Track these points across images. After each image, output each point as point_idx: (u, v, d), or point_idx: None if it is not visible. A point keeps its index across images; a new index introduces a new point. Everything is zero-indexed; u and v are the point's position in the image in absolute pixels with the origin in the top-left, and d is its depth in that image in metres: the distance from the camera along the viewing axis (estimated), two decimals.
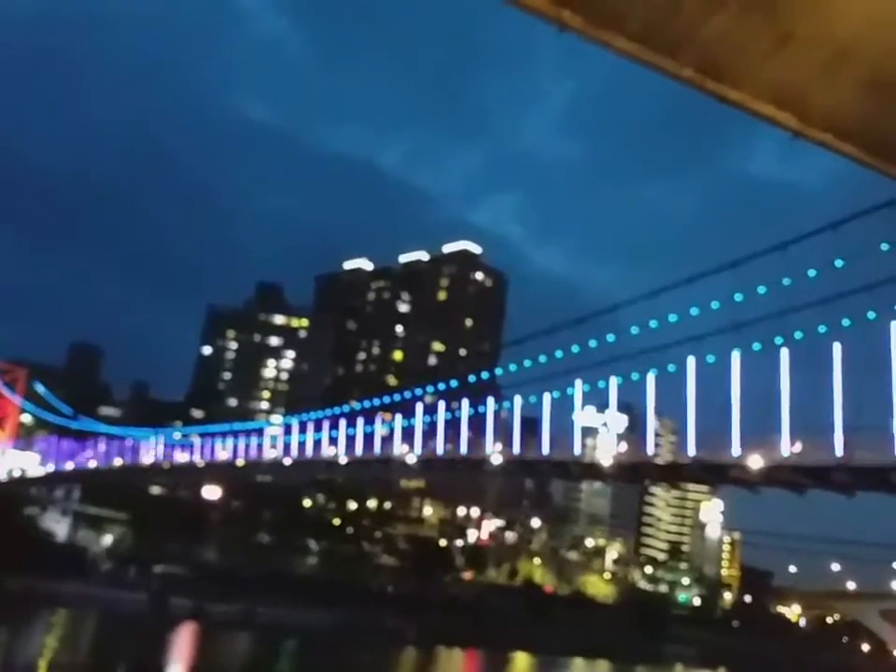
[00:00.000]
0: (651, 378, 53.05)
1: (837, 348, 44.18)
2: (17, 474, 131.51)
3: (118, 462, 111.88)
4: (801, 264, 43.11)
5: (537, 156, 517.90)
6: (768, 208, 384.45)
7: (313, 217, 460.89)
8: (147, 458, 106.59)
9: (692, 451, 51.21)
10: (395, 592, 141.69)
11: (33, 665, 59.50)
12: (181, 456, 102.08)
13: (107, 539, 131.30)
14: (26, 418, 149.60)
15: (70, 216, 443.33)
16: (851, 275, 40.75)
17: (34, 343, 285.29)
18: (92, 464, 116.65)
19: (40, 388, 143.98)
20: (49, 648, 70.85)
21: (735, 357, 48.25)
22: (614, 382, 55.33)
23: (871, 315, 42.32)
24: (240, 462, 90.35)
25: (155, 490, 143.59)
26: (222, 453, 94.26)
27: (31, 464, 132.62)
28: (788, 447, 46.45)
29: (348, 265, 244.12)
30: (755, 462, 47.75)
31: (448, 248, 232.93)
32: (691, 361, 50.30)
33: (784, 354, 46.17)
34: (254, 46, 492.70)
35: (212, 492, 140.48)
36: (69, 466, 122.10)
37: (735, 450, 48.31)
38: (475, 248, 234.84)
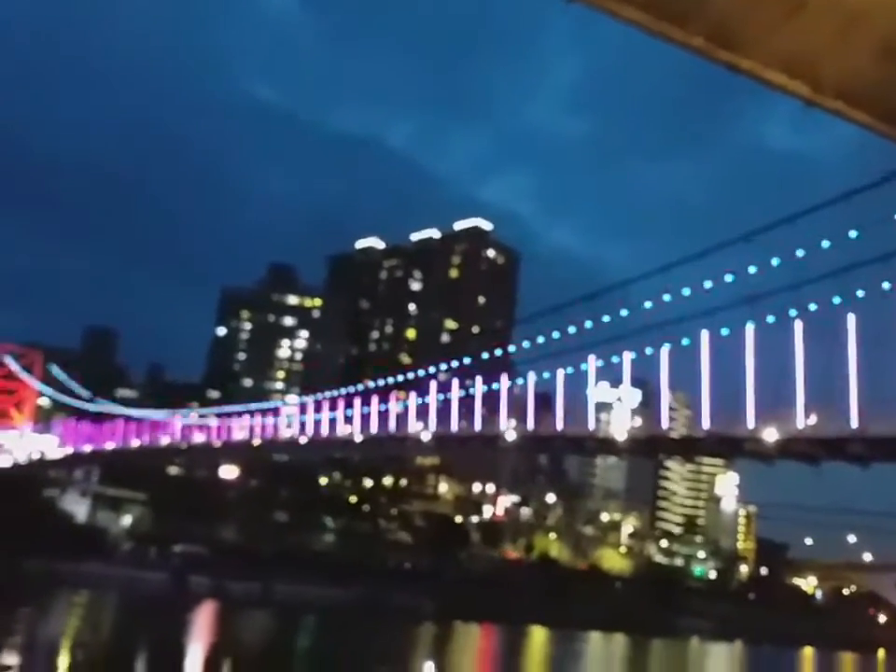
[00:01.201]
0: (664, 352, 52.99)
1: (852, 319, 43.97)
2: (36, 457, 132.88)
3: (135, 443, 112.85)
4: (815, 236, 42.84)
5: (546, 133, 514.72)
6: (781, 181, 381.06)
7: (323, 197, 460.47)
8: (164, 439, 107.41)
9: (706, 424, 51.25)
10: (411, 568, 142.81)
11: (56, 645, 60.39)
12: (198, 437, 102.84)
13: (127, 520, 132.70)
14: (44, 401, 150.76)
15: (81, 201, 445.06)
16: (865, 246, 40.47)
17: (49, 326, 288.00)
18: (111, 445, 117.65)
19: (57, 371, 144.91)
20: (72, 627, 71.85)
21: (750, 329, 48.10)
22: (628, 357, 55.33)
23: (885, 285, 42.07)
24: (256, 442, 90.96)
25: (173, 470, 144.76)
26: (239, 433, 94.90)
27: (50, 446, 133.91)
28: (803, 419, 46.40)
29: (360, 244, 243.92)
30: (770, 434, 47.76)
31: (459, 226, 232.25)
32: (704, 335, 50.22)
33: (798, 326, 46.00)
34: (260, 26, 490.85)
35: (229, 471, 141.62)
36: (88, 448, 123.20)
37: (750, 423, 48.29)
38: (486, 225, 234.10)
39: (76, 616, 79.91)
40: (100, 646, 63.37)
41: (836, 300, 44.59)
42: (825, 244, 43.20)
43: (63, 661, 53.91)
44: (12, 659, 47.46)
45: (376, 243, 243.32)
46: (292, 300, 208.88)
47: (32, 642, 59.24)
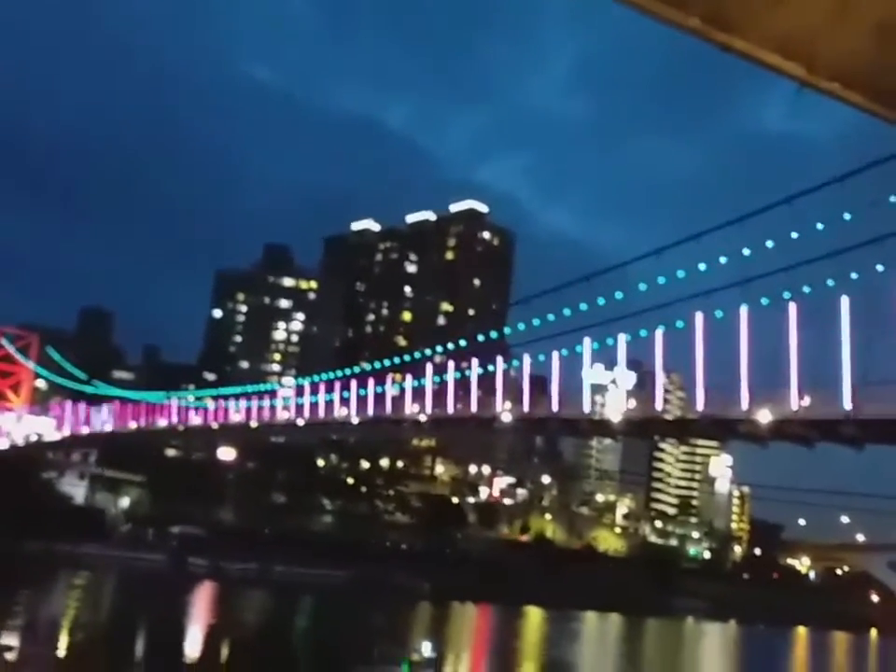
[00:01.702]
0: (659, 334, 53.20)
1: (845, 302, 44.19)
2: (33, 439, 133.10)
3: (133, 425, 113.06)
4: (809, 218, 42.95)
5: (543, 115, 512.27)
6: (776, 163, 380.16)
7: (319, 178, 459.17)
8: (161, 421, 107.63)
9: (700, 406, 51.54)
10: (408, 549, 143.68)
11: (56, 625, 60.85)
12: (195, 419, 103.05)
13: (125, 502, 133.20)
14: (40, 383, 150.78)
15: (78, 183, 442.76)
16: (860, 228, 40.61)
17: (45, 308, 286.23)
18: (108, 427, 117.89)
19: (53, 353, 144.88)
20: (71, 608, 72.35)
21: (744, 312, 48.32)
22: (623, 339, 55.53)
23: (879, 267, 42.26)
24: (253, 424, 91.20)
25: (170, 452, 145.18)
26: (236, 415, 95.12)
27: (47, 429, 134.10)
28: (796, 401, 46.70)
29: (356, 226, 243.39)
30: (764, 416, 48.06)
31: (455, 208, 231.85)
32: (699, 317, 50.41)
33: (792, 308, 46.21)
34: (259, 8, 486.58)
35: (226, 453, 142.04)
36: (85, 430, 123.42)
37: (744, 405, 48.59)
38: (482, 207, 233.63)
39: (75, 597, 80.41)
40: (99, 626, 63.87)
41: (830, 282, 44.76)
42: (819, 226, 43.30)
43: (64, 641, 54.37)
44: (13, 640, 47.90)
45: (372, 225, 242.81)
46: (288, 282, 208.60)
47: (32, 623, 59.67)
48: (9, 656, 36.52)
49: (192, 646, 59.01)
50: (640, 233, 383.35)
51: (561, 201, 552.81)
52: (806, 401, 47.02)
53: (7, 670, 32.43)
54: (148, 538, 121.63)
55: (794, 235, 43.98)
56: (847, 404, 44.33)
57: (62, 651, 49.15)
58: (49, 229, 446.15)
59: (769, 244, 45.86)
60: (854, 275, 43.47)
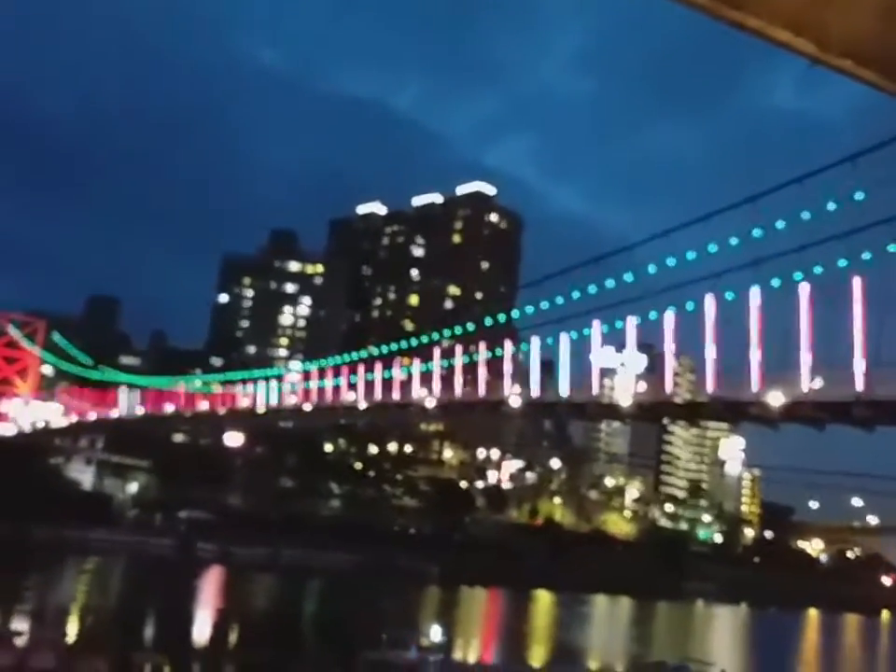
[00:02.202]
0: (669, 316, 52.62)
1: (857, 282, 43.53)
2: (40, 425, 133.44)
3: (140, 411, 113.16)
4: (820, 198, 42.27)
5: (550, 96, 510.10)
6: (787, 142, 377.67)
7: (325, 161, 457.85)
8: (168, 406, 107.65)
9: (711, 389, 51.03)
10: (417, 533, 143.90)
11: (65, 610, 61.01)
12: (202, 404, 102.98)
13: (132, 487, 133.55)
14: (47, 369, 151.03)
15: (82, 168, 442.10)
16: (872, 208, 39.92)
17: (51, 294, 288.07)
18: (115, 413, 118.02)
19: (59, 339, 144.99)
20: (80, 593, 72.62)
21: (755, 293, 47.69)
22: (632, 321, 54.96)
23: (892, 247, 41.57)
24: (261, 409, 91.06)
25: (178, 438, 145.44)
26: (243, 400, 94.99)
27: (54, 415, 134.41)
28: (808, 383, 46.14)
29: (361, 209, 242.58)
30: (775, 399, 47.52)
31: (462, 190, 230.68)
32: (709, 299, 49.80)
33: (804, 289, 45.57)
34: None
35: (234, 438, 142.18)
36: (92, 416, 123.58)
37: (755, 387, 48.06)
38: (489, 190, 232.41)
39: (84, 582, 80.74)
40: (109, 611, 64.05)
41: (842, 262, 44.07)
42: (831, 206, 42.61)
43: (73, 626, 54.47)
44: (23, 625, 47.96)
45: (378, 208, 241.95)
46: (294, 266, 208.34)
47: (42, 608, 59.87)
48: (20, 641, 36.48)
49: (202, 630, 59.12)
50: (649, 215, 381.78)
51: (569, 182, 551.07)
52: (818, 383, 46.44)
53: (17, 655, 32.33)
54: (156, 523, 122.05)
55: (806, 215, 43.31)
56: (859, 386, 43.76)
57: (71, 636, 49.25)
58: (55, 215, 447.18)
59: (780, 224, 45.18)
60: (866, 255, 42.79)
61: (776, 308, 48.85)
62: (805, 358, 45.82)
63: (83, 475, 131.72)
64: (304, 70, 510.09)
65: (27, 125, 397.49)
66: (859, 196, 40.90)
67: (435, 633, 46.57)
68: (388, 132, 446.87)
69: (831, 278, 45.30)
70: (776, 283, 47.25)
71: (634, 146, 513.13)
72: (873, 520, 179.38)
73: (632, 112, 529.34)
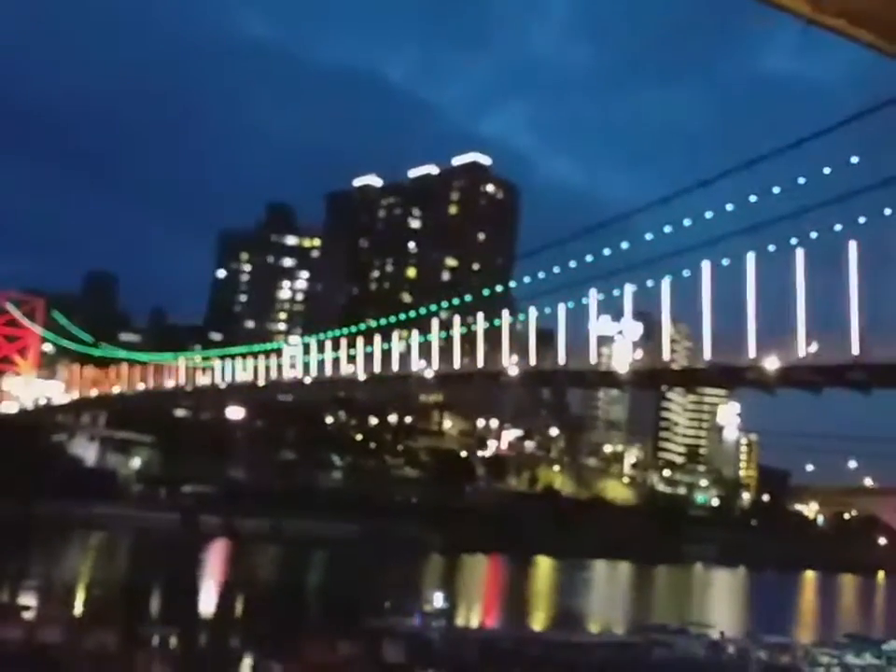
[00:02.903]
0: (666, 284, 52.87)
1: (853, 246, 43.76)
2: (43, 402, 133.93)
3: (141, 387, 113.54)
4: (816, 162, 42.35)
5: (546, 64, 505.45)
6: (783, 107, 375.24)
7: (320, 134, 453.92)
8: (169, 382, 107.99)
9: (708, 355, 51.39)
10: (418, 502, 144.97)
11: (72, 585, 61.74)
12: (203, 379, 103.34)
13: (136, 462, 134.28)
14: (47, 347, 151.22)
15: (78, 145, 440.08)
16: (867, 172, 40.03)
17: (48, 272, 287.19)
18: (116, 389, 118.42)
19: (59, 317, 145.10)
20: (86, 568, 73.40)
21: (751, 259, 47.92)
22: (629, 290, 55.21)
23: (887, 211, 41.77)
24: (261, 382, 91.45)
25: (179, 413, 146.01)
26: (243, 374, 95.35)
27: (56, 392, 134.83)
28: (804, 347, 46.50)
29: (358, 182, 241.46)
30: (771, 363, 47.91)
31: (458, 161, 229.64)
32: (706, 265, 50.03)
33: (799, 254, 45.81)
34: None
35: (235, 412, 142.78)
36: (94, 392, 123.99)
37: (752, 352, 48.41)
38: (485, 160, 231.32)
39: (90, 557, 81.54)
40: (115, 585, 64.78)
41: (838, 227, 44.28)
42: (826, 170, 42.69)
43: (80, 600, 55.19)
44: (31, 599, 48.61)
45: (374, 181, 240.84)
46: (291, 240, 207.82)
47: (49, 583, 60.57)
48: (27, 616, 37.02)
49: (207, 602, 59.91)
50: (646, 182, 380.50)
51: (565, 150, 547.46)
52: (814, 347, 46.81)
53: (25, 629, 32.87)
54: (161, 497, 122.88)
55: (801, 180, 43.42)
56: (855, 349, 44.13)
57: (78, 611, 49.93)
58: (51, 193, 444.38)
59: (776, 189, 45.29)
60: (862, 220, 42.99)
61: (772, 273, 49.13)
62: (802, 323, 46.15)
63: (86, 451, 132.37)
64: (297, 42, 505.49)
65: (24, 103, 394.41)
66: (854, 160, 41.00)
67: (437, 600, 47.30)
68: (383, 103, 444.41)
69: (827, 243, 45.52)
70: (772, 248, 47.50)
71: (630, 112, 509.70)
72: (868, 482, 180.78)
73: (628, 78, 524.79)
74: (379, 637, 36.05)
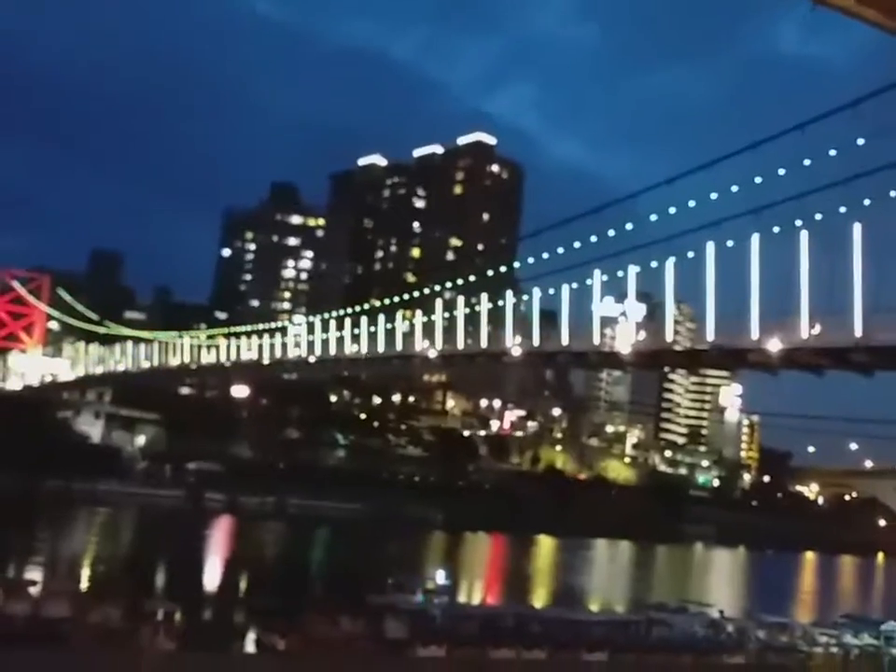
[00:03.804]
0: (669, 265, 52.82)
1: (857, 228, 43.67)
2: (48, 379, 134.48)
3: (146, 364, 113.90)
4: (822, 144, 42.20)
5: (552, 43, 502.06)
6: (790, 88, 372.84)
7: (325, 113, 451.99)
8: (174, 360, 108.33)
9: (711, 336, 51.44)
10: (421, 481, 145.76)
11: (78, 561, 62.37)
12: (208, 357, 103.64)
13: (141, 440, 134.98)
14: (53, 325, 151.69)
15: (83, 123, 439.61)
16: (873, 154, 39.89)
17: (54, 250, 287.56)
18: (121, 367, 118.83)
19: (65, 295, 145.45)
20: (92, 544, 74.05)
21: (755, 240, 47.86)
22: (633, 270, 55.16)
23: (893, 193, 41.65)
24: (266, 361, 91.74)
25: (184, 391, 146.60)
26: (248, 353, 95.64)
27: (61, 369, 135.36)
28: (807, 329, 46.54)
29: (362, 162, 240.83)
30: (774, 345, 47.96)
31: (463, 140, 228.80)
32: (710, 247, 49.97)
33: (804, 236, 45.73)
34: None
35: (240, 391, 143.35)
36: (99, 370, 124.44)
37: (755, 334, 48.46)
38: (490, 140, 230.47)
39: (95, 533, 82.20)
40: (120, 561, 65.44)
41: (843, 209, 44.16)
42: (832, 152, 42.55)
43: (86, 575, 55.80)
44: (36, 574, 49.13)
45: (379, 160, 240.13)
46: (295, 219, 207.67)
47: (55, 558, 61.20)
48: (33, 591, 37.41)
49: (212, 578, 60.52)
50: (651, 163, 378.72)
51: (570, 131, 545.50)
52: (817, 329, 46.83)
53: (32, 604, 33.27)
54: (165, 474, 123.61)
55: (807, 162, 43.29)
56: (858, 332, 44.17)
57: (84, 585, 50.49)
58: (56, 171, 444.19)
59: (781, 171, 45.17)
60: (867, 202, 42.88)
61: (776, 255, 49.08)
62: (805, 305, 46.15)
63: (92, 428, 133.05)
64: (304, 21, 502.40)
65: (28, 82, 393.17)
66: (860, 142, 40.84)
67: (440, 577, 47.75)
68: (388, 81, 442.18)
69: (831, 225, 45.42)
70: (776, 230, 47.41)
71: (636, 93, 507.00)
72: (868, 463, 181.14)
73: (634, 59, 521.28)
74: (381, 613, 36.40)
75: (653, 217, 52.49)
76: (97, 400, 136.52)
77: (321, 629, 34.01)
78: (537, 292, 62.08)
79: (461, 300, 69.13)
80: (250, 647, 35.79)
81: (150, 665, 30.14)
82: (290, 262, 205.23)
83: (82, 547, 70.88)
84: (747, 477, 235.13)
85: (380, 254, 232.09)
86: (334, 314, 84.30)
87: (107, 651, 30.08)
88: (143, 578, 51.74)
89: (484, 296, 67.25)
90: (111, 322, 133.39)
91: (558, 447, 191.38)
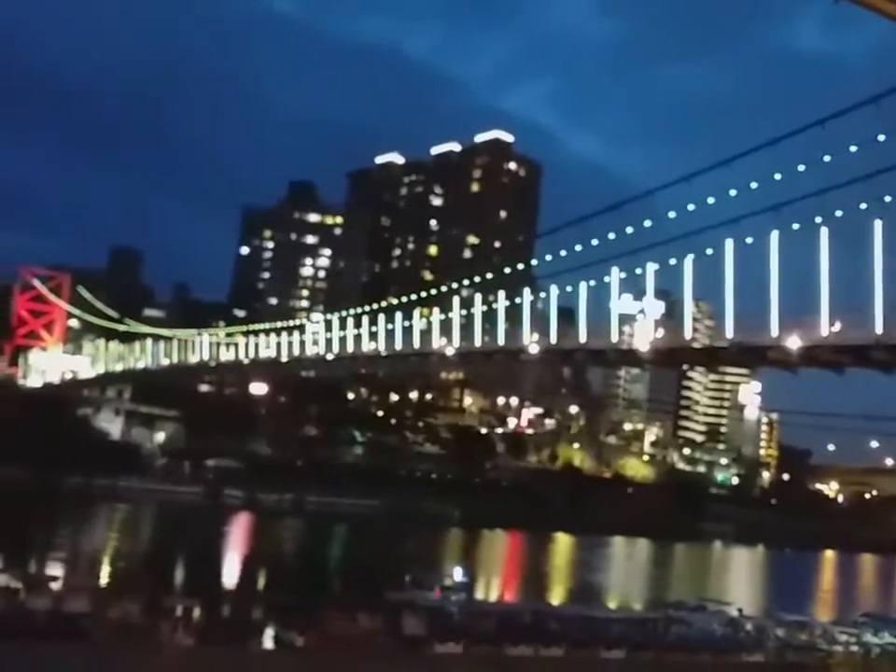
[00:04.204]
0: (688, 262, 52.55)
1: (878, 225, 43.29)
2: (69, 377, 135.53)
3: (166, 362, 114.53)
4: (842, 140, 41.85)
5: (569, 38, 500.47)
6: (810, 84, 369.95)
7: (342, 111, 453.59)
8: (193, 358, 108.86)
9: (729, 334, 51.14)
10: (438, 478, 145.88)
11: (98, 557, 62.89)
12: (227, 355, 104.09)
13: (160, 437, 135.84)
14: (73, 322, 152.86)
15: (103, 123, 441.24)
16: (894, 150, 39.51)
17: (74, 249, 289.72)
18: (141, 364, 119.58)
19: (85, 293, 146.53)
20: (112, 540, 74.65)
21: (774, 237, 47.54)
22: (651, 268, 54.89)
23: None
24: (284, 359, 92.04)
25: (203, 388, 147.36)
26: (266, 350, 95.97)
27: (81, 366, 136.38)
28: (827, 327, 46.20)
29: (380, 160, 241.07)
30: (794, 343, 47.64)
31: (480, 138, 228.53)
32: (729, 244, 49.67)
33: (824, 233, 45.39)
34: None
35: (259, 388, 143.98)
36: (119, 367, 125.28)
37: (774, 331, 48.15)
38: (507, 137, 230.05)
39: (115, 529, 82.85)
40: (140, 556, 65.95)
41: (863, 205, 43.78)
42: (853, 148, 42.19)
43: (106, 571, 56.27)
44: (58, 570, 49.63)
45: (396, 158, 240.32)
46: (313, 217, 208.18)
47: (75, 554, 61.76)
48: (55, 586, 37.79)
49: (231, 574, 60.88)
50: (670, 159, 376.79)
51: (589, 127, 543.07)
52: (837, 327, 46.48)
53: (53, 599, 33.62)
54: (184, 471, 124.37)
55: (827, 158, 42.96)
56: (879, 329, 43.80)
57: (104, 581, 50.92)
58: (76, 171, 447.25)
59: (801, 167, 44.83)
60: (888, 199, 42.48)
61: (796, 252, 48.72)
62: (825, 302, 45.80)
63: (112, 425, 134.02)
64: (320, 18, 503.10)
65: (49, 78, 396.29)
66: (881, 138, 40.47)
67: (457, 574, 47.89)
68: (405, 79, 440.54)
69: (852, 221, 45.02)
70: (796, 227, 47.05)
71: (654, 88, 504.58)
72: (889, 461, 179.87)
73: (652, 54, 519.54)
74: (399, 609, 36.52)
75: (672, 214, 52.24)
76: (117, 398, 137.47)
77: (339, 626, 34.15)
78: (554, 289, 61.84)
79: (478, 297, 69.05)
80: (268, 643, 36.03)
81: (169, 661, 30.38)
82: (308, 260, 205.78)
83: (102, 543, 71.48)
84: (766, 475, 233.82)
85: (397, 252, 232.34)
86: (352, 311, 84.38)
87: (127, 647, 30.34)
88: (162, 574, 52.12)
89: (502, 293, 67.10)
90: (131, 320, 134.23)
91: (576, 445, 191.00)
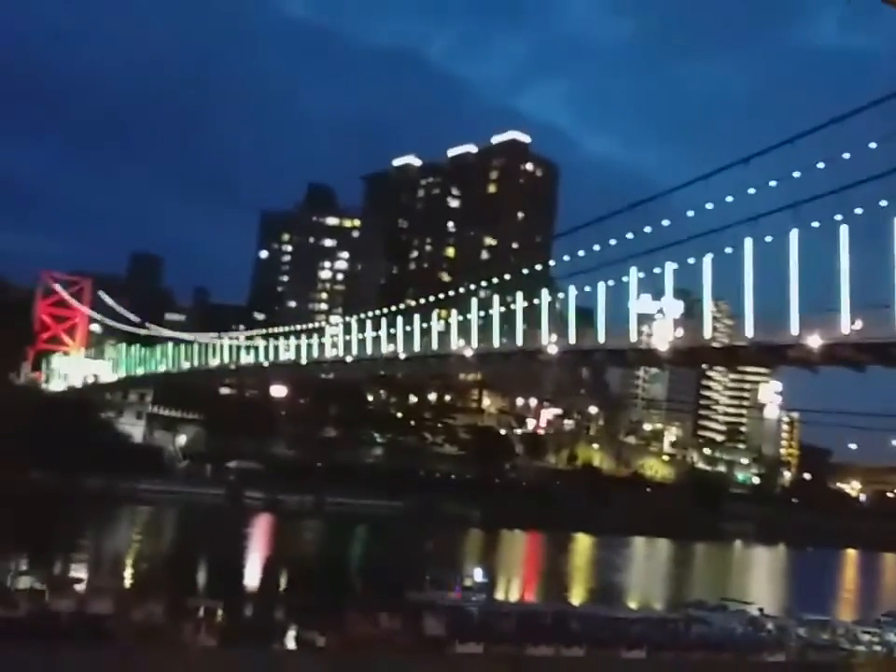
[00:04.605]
0: (707, 261, 52.40)
1: None
2: (91, 381, 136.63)
3: (186, 365, 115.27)
4: (861, 137, 41.62)
5: (585, 38, 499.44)
6: (828, 81, 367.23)
7: (358, 113, 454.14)
8: (214, 361, 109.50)
9: (749, 333, 50.93)
10: (458, 479, 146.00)
11: (121, 558, 63.48)
12: (247, 358, 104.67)
13: (182, 439, 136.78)
14: (94, 327, 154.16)
15: (123, 128, 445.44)
16: None
17: (95, 254, 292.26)
18: (162, 368, 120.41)
19: (106, 298, 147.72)
20: (135, 542, 75.30)
21: (794, 236, 47.34)
22: (670, 267, 54.75)
23: None
24: (303, 361, 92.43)
25: (224, 391, 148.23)
26: (286, 353, 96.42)
27: (103, 370, 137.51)
28: (847, 325, 45.96)
29: (397, 162, 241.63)
30: (814, 341, 47.40)
31: (497, 140, 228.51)
32: (748, 243, 49.49)
33: (843, 230, 45.16)
34: None
35: (279, 390, 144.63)
36: (140, 371, 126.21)
37: (794, 330, 47.93)
38: (524, 138, 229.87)
39: (138, 531, 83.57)
40: (163, 558, 66.49)
41: (883, 202, 43.51)
42: (872, 145, 41.95)
43: (129, 573, 56.79)
44: (81, 572, 50.14)
45: (413, 160, 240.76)
46: (331, 221, 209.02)
47: (99, 556, 62.36)
48: (78, 588, 38.18)
49: (252, 575, 61.28)
50: (688, 158, 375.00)
51: (606, 126, 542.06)
52: (858, 325, 46.22)
53: (77, 601, 34.00)
54: (206, 473, 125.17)
55: (846, 156, 42.73)
56: None
57: (128, 583, 51.41)
58: (95, 176, 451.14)
59: (820, 165, 44.61)
60: None
61: (815, 250, 48.48)
62: (845, 300, 45.56)
63: (134, 428, 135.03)
64: (335, 22, 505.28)
65: (69, 83, 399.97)
66: None
67: (477, 574, 47.98)
68: (421, 81, 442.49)
69: (871, 219, 44.76)
70: (815, 225, 46.83)
71: (671, 88, 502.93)
72: None
73: (668, 52, 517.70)
74: (420, 610, 36.66)
75: (690, 213, 52.09)
76: (139, 401, 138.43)
77: (360, 626, 34.33)
78: (573, 290, 61.77)
79: (496, 298, 69.12)
80: (290, 644, 36.25)
81: (192, 661, 30.65)
82: (327, 263, 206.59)
83: (125, 545, 72.12)
84: (787, 474, 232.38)
85: (415, 254, 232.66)
86: (370, 314, 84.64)
87: (150, 648, 30.64)
88: (185, 575, 52.53)
89: (520, 294, 67.11)
90: (152, 324, 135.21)
91: (595, 445, 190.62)
